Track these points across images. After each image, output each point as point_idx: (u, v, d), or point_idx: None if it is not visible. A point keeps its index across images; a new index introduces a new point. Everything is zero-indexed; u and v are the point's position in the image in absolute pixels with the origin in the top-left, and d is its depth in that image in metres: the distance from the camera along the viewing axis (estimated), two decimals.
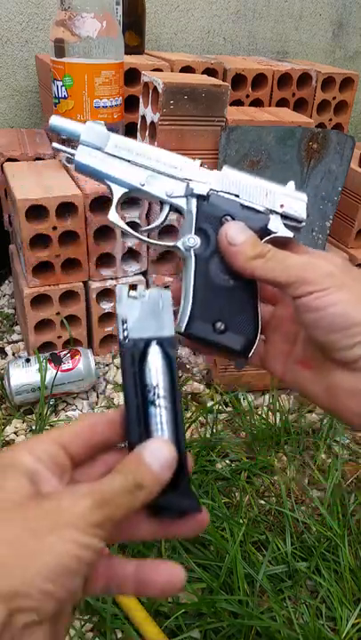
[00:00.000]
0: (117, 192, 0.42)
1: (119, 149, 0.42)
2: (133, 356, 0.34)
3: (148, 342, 0.34)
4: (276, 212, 0.42)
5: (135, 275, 1.08)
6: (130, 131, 1.15)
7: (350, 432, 0.99)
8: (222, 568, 0.68)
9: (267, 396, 1.05)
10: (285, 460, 0.91)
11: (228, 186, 0.42)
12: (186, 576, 0.32)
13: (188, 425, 0.95)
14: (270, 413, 0.99)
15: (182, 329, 0.40)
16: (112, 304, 1.07)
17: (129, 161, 0.42)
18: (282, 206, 0.42)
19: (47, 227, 0.95)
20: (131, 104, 1.14)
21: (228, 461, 0.90)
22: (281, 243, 0.41)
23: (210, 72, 1.20)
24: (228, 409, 1.02)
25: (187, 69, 1.18)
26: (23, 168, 1.08)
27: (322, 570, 0.72)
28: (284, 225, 0.42)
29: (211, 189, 0.41)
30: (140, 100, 1.05)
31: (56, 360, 0.99)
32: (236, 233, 0.39)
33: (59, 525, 0.26)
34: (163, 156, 0.42)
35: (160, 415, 0.33)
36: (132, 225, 1.01)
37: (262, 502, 0.83)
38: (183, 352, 1.14)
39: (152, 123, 0.99)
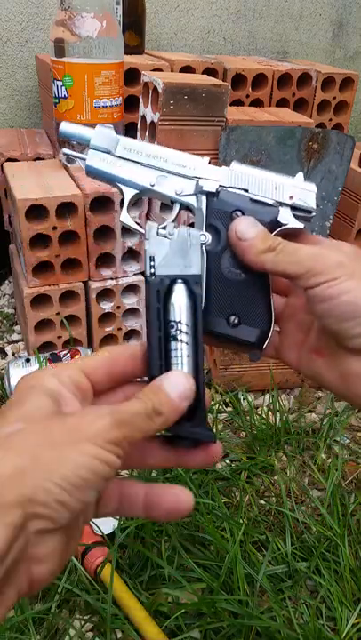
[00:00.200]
0: (128, 194, 0.43)
1: (128, 152, 0.42)
2: (159, 292, 0.36)
3: (174, 280, 0.36)
4: (286, 204, 0.42)
5: (135, 275, 1.08)
6: (130, 131, 1.15)
7: (350, 432, 0.99)
8: (222, 568, 0.68)
9: (267, 396, 1.05)
10: (285, 460, 0.91)
11: (236, 181, 0.42)
12: (194, 503, 0.33)
13: None
14: (270, 413, 0.99)
15: None
16: (112, 304, 1.07)
17: (138, 162, 0.42)
18: (291, 198, 0.42)
19: (47, 227, 0.95)
20: (131, 104, 1.14)
21: (228, 461, 0.90)
22: (292, 234, 0.41)
23: (210, 72, 1.20)
24: (228, 409, 1.02)
25: (187, 69, 1.18)
26: (23, 168, 1.08)
27: (322, 570, 0.72)
28: (295, 216, 0.42)
29: (220, 186, 0.42)
30: (140, 100, 1.05)
31: (56, 360, 0.99)
32: (245, 228, 0.39)
33: (78, 439, 0.28)
34: (171, 156, 0.42)
35: (181, 349, 0.35)
36: None
37: (262, 502, 0.83)
38: None
39: (152, 123, 0.99)
